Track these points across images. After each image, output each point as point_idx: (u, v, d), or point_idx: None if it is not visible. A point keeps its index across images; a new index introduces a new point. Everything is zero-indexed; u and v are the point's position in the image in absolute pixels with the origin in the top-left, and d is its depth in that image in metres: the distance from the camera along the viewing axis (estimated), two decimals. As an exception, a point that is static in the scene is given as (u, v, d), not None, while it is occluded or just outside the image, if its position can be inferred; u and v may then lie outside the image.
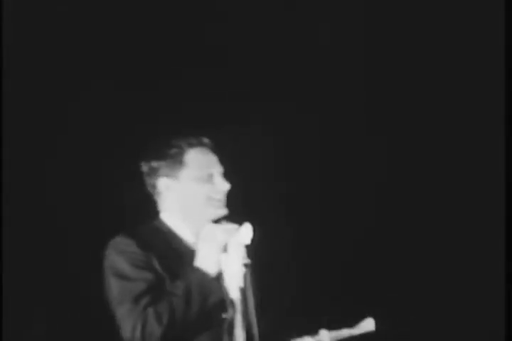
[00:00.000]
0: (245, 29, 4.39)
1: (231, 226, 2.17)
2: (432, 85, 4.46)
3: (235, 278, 2.07)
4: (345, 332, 2.18)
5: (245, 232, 2.11)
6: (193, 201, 2.36)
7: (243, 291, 2.07)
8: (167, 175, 2.38)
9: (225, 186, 2.35)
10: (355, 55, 4.51)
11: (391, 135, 4.52)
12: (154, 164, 2.40)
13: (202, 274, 2.15)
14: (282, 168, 4.33)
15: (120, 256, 2.25)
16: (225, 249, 2.13)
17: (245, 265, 2.08)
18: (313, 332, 2.22)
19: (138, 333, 2.11)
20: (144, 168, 2.43)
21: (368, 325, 2.16)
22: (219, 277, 2.13)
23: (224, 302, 2.12)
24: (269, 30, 4.40)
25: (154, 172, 2.41)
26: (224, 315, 2.12)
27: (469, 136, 4.44)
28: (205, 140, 2.44)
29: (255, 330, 2.07)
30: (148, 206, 2.47)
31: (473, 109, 4.40)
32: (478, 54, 4.33)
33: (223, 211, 2.33)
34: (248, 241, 2.10)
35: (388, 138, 4.52)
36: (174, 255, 2.27)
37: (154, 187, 2.42)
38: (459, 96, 4.43)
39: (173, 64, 4.32)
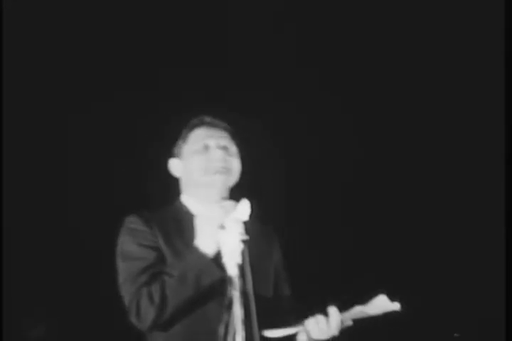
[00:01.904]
0: (246, 29, 4.42)
1: (228, 203, 2.17)
2: (432, 85, 4.48)
3: (232, 255, 2.06)
4: (358, 310, 2.14)
5: (243, 208, 2.10)
6: (192, 172, 2.42)
7: (241, 268, 2.05)
8: (175, 155, 2.51)
9: (218, 153, 2.38)
10: (355, 58, 4.53)
11: (392, 134, 4.54)
12: (177, 144, 2.53)
13: (198, 255, 2.15)
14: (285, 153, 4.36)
15: (126, 235, 2.31)
16: (222, 226, 2.11)
17: (243, 241, 2.06)
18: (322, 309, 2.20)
19: (134, 312, 2.13)
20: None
21: (381, 303, 2.11)
22: (217, 255, 2.13)
23: (223, 281, 2.10)
24: (270, 30, 4.44)
25: (175, 152, 2.53)
26: (227, 293, 2.11)
27: (470, 137, 4.45)
28: (216, 121, 2.50)
29: (253, 307, 2.05)
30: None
31: (474, 109, 4.41)
32: (478, 54, 4.35)
33: (220, 177, 2.36)
34: (246, 218, 2.09)
35: (389, 137, 4.55)
36: (186, 233, 2.29)
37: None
38: (459, 96, 4.45)
39: (174, 65, 4.35)
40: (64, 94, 4.28)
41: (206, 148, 2.42)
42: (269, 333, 2.10)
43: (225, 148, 2.44)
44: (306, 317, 2.22)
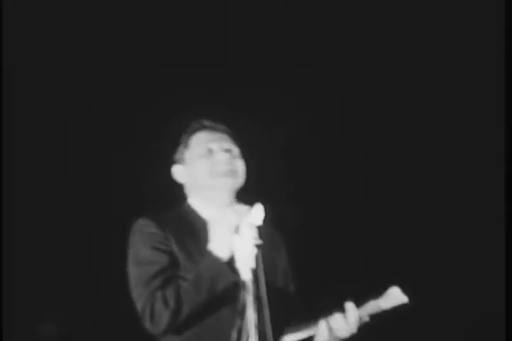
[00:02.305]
0: (246, 29, 4.41)
1: (242, 208, 2.16)
2: (432, 85, 4.49)
3: (246, 260, 2.06)
4: (373, 305, 2.13)
5: (256, 213, 2.10)
6: (197, 177, 2.41)
7: (255, 272, 2.05)
8: (178, 161, 2.49)
9: (223, 156, 2.37)
10: (355, 58, 4.52)
11: (392, 135, 4.55)
12: (178, 150, 2.53)
13: (213, 259, 2.15)
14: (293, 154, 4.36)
15: (138, 238, 2.28)
16: (236, 231, 2.11)
17: (257, 246, 2.06)
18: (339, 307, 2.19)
19: (147, 316, 2.11)
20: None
21: (395, 295, 2.11)
22: (231, 260, 2.13)
23: (237, 285, 2.10)
24: (270, 30, 4.43)
25: (177, 159, 2.52)
26: (241, 298, 2.11)
27: (470, 137, 4.46)
28: (215, 124, 2.49)
29: (267, 311, 2.05)
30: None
31: (473, 109, 4.42)
32: (478, 54, 4.36)
33: (227, 180, 2.36)
34: (260, 222, 2.09)
35: (390, 137, 4.55)
36: (198, 237, 2.29)
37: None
38: (459, 96, 4.46)
39: (174, 65, 4.34)
40: (64, 94, 4.26)
41: (210, 151, 2.42)
42: (289, 338, 2.10)
43: (228, 151, 2.44)
44: (316, 320, 2.22)
